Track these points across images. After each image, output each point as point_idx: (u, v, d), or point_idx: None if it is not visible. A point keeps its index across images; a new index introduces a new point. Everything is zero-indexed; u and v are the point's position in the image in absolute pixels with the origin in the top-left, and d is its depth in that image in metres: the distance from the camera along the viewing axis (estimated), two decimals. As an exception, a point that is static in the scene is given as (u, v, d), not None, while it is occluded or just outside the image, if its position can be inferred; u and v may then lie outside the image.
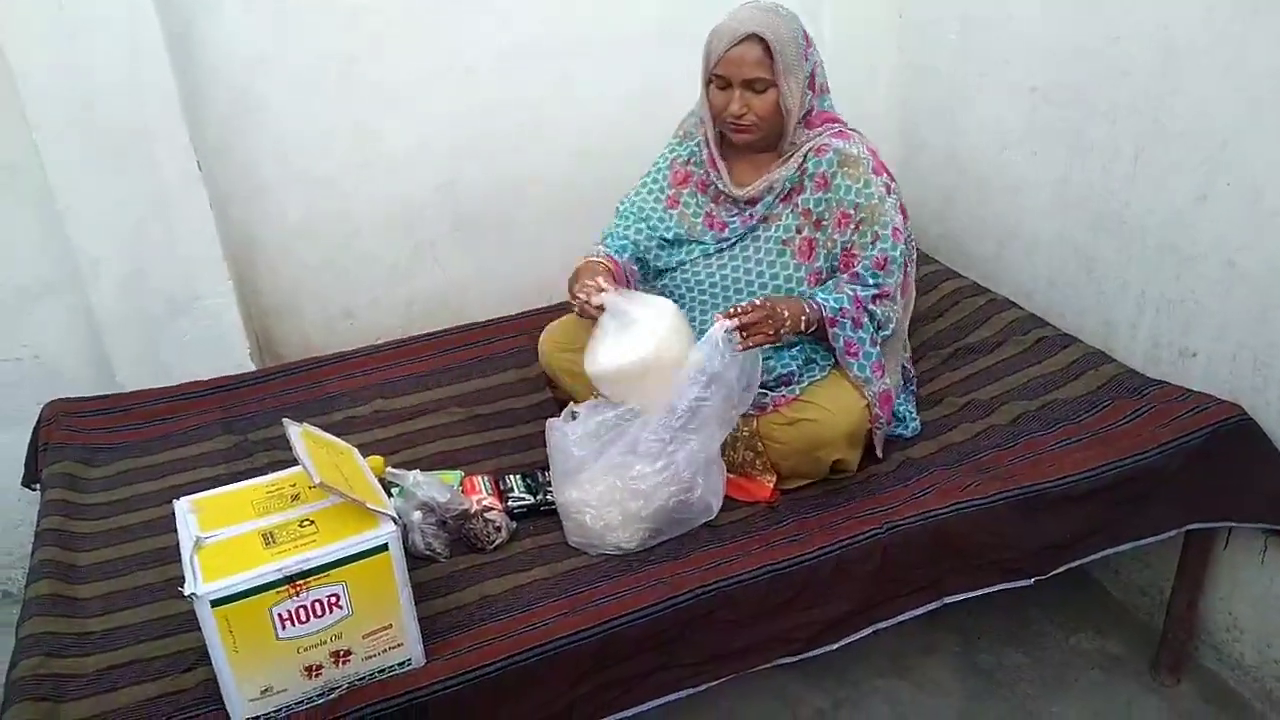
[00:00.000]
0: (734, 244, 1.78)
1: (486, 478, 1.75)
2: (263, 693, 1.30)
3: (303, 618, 1.28)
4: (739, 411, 1.61)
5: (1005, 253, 2.28)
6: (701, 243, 1.81)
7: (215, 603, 1.22)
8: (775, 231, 1.75)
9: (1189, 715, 1.88)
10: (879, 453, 1.76)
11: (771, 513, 1.66)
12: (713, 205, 1.80)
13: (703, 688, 1.51)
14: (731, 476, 1.69)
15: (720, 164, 1.78)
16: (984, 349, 2.03)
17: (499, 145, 2.32)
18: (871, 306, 1.71)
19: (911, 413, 1.86)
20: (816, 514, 1.65)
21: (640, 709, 1.48)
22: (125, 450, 1.92)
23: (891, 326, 1.76)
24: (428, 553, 1.59)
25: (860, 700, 1.93)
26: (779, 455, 1.69)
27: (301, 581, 1.26)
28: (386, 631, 1.35)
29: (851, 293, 1.70)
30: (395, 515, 1.34)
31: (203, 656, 1.30)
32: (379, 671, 1.36)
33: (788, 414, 1.69)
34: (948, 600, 1.61)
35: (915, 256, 1.87)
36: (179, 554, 1.30)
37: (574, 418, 1.64)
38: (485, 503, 1.66)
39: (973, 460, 1.74)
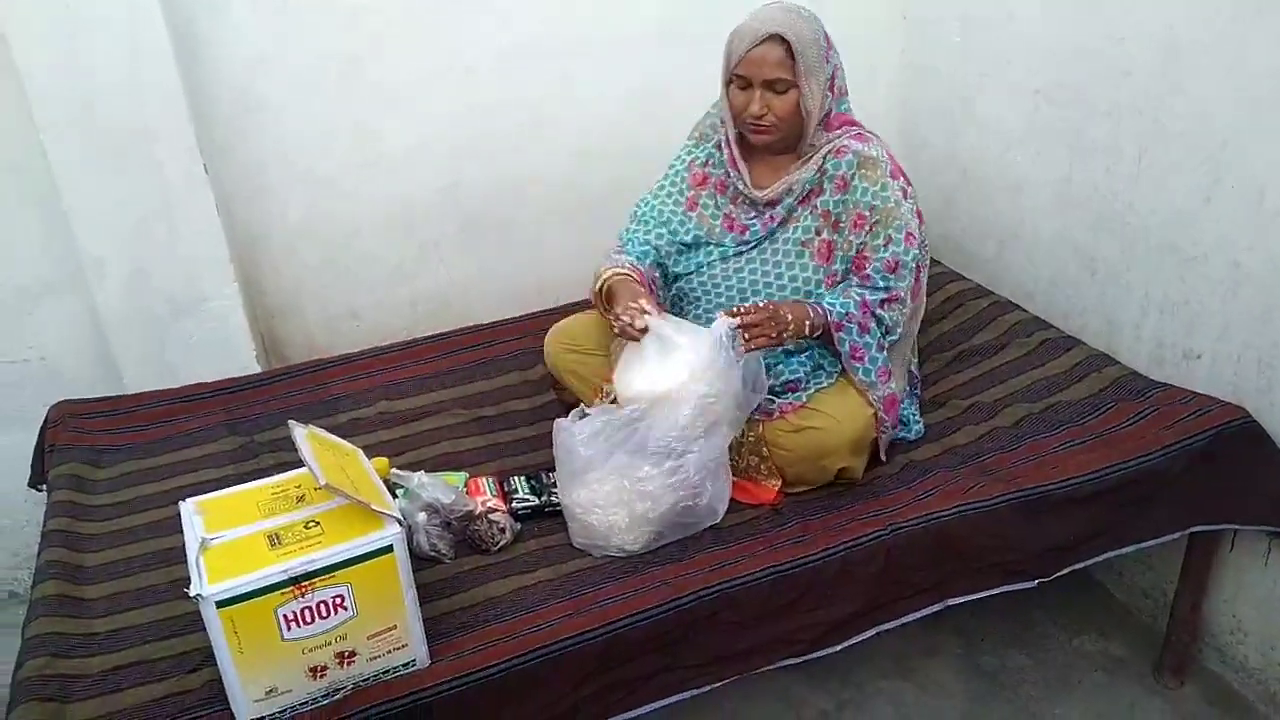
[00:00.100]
0: (754, 246, 1.78)
1: (491, 479, 1.75)
2: (268, 693, 1.30)
3: (308, 619, 1.28)
4: (746, 412, 1.62)
5: (1007, 253, 2.28)
6: (721, 245, 1.80)
7: (221, 604, 1.22)
8: (794, 234, 1.75)
9: (1192, 718, 1.88)
10: (883, 455, 1.76)
11: (775, 515, 1.67)
12: (732, 207, 1.80)
13: (706, 689, 1.51)
14: (736, 480, 1.69)
15: (741, 164, 1.77)
16: (987, 351, 2.03)
17: (500, 145, 2.33)
18: (879, 311, 1.71)
19: (915, 415, 1.86)
20: (820, 516, 1.65)
21: (644, 710, 1.48)
22: (131, 452, 1.92)
23: (899, 331, 1.76)
24: (432, 554, 1.59)
25: (864, 702, 1.93)
26: (784, 462, 1.69)
27: (307, 583, 1.26)
28: (391, 633, 1.35)
29: (859, 297, 1.70)
30: (400, 517, 1.34)
31: (208, 657, 1.31)
32: (383, 672, 1.37)
33: (794, 421, 1.69)
34: (951, 602, 1.62)
35: (929, 262, 1.86)
36: (185, 555, 1.31)
37: (583, 418, 1.64)
38: (490, 504, 1.66)
39: (976, 462, 1.74)
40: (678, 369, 1.55)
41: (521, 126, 2.33)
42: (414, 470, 1.68)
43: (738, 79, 1.69)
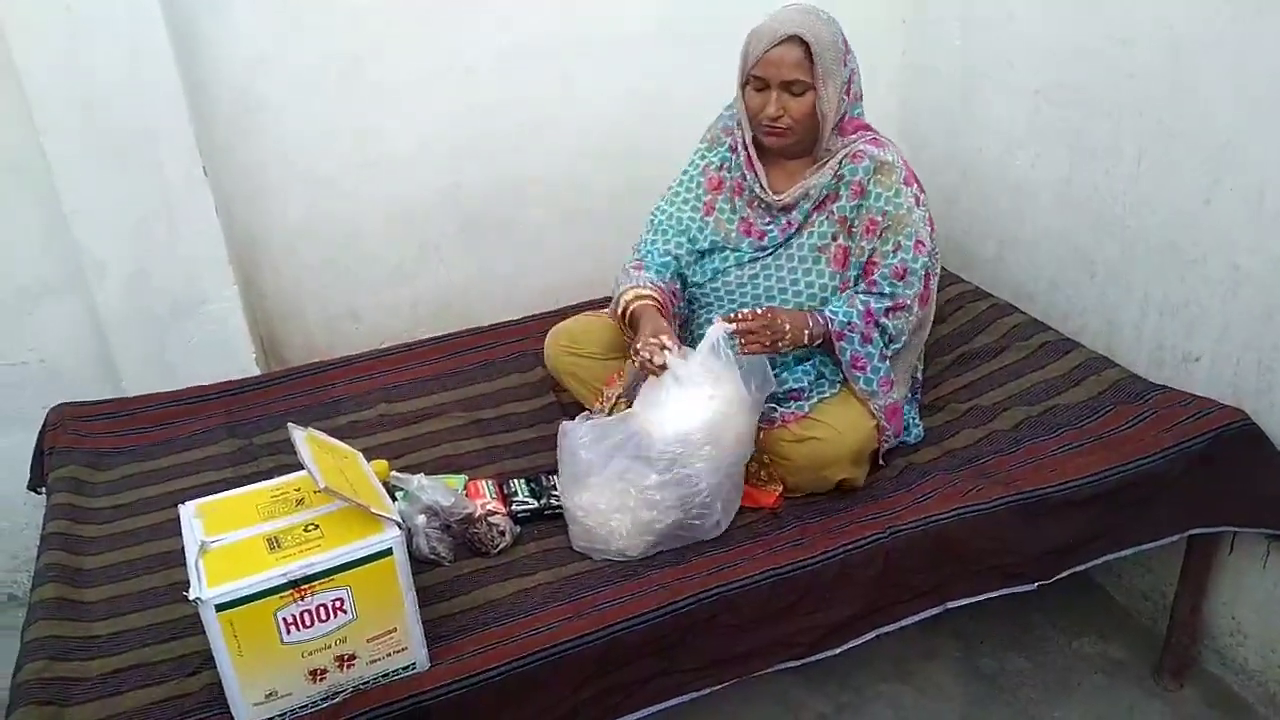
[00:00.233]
0: (770, 252, 1.77)
1: (491, 482, 1.75)
2: (267, 697, 1.30)
3: (307, 622, 1.28)
4: (755, 415, 1.61)
5: (1007, 255, 2.28)
6: (737, 250, 1.79)
7: (220, 607, 1.23)
8: (810, 239, 1.74)
9: (1192, 720, 1.88)
10: (881, 459, 1.76)
11: (774, 518, 1.67)
12: (749, 210, 1.78)
13: (705, 692, 1.51)
14: (737, 484, 1.69)
15: (758, 166, 1.76)
16: (987, 354, 2.03)
17: (501, 146, 2.33)
18: (884, 320, 1.70)
19: (915, 419, 1.86)
20: (819, 519, 1.65)
21: (643, 713, 1.48)
22: (131, 454, 1.92)
23: (904, 339, 1.75)
24: (432, 557, 1.59)
25: (862, 705, 1.93)
26: (785, 471, 1.69)
27: (306, 586, 1.26)
28: (391, 635, 1.35)
29: (864, 305, 1.69)
30: (399, 519, 1.34)
31: (207, 660, 1.31)
32: (383, 675, 1.37)
33: (796, 431, 1.69)
34: (950, 605, 1.61)
35: (939, 271, 1.85)
36: (184, 558, 1.31)
37: (588, 421, 1.64)
38: (489, 507, 1.66)
39: (975, 465, 1.74)
40: (699, 410, 1.53)
41: (522, 127, 2.33)
42: (414, 473, 1.68)
43: (755, 80, 1.68)
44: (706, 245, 1.81)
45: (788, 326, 1.63)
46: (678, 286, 1.82)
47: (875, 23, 2.46)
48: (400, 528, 1.33)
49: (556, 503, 1.69)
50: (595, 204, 2.44)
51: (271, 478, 1.49)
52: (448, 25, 2.19)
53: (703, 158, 1.85)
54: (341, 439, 1.57)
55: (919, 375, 1.93)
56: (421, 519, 1.60)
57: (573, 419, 1.66)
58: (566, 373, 1.91)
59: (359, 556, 1.29)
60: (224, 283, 2.14)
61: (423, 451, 1.90)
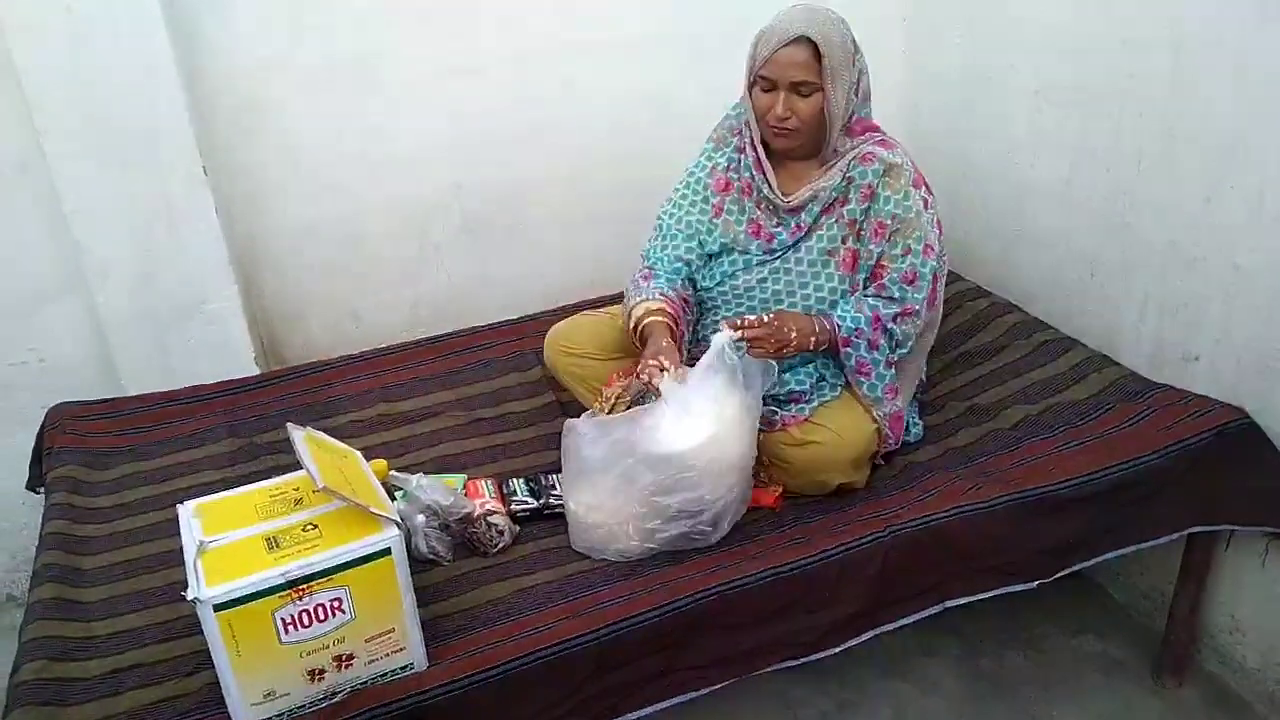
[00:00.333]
0: (779, 255, 1.75)
1: (490, 481, 1.75)
2: (265, 697, 1.30)
3: (306, 622, 1.28)
4: (756, 415, 1.60)
5: (1010, 255, 2.28)
6: (746, 253, 1.78)
7: (218, 607, 1.22)
8: (819, 242, 1.73)
9: (1191, 718, 1.87)
10: (881, 459, 1.76)
11: (774, 516, 1.67)
12: (757, 212, 1.77)
13: (705, 691, 1.51)
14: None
15: (767, 167, 1.75)
16: (987, 353, 2.03)
17: (503, 147, 2.32)
18: (891, 325, 1.70)
19: (915, 418, 1.86)
20: (819, 518, 1.65)
21: (643, 713, 1.48)
22: (129, 454, 1.92)
23: (910, 344, 1.74)
24: (431, 556, 1.59)
25: (863, 703, 1.93)
26: (784, 474, 1.69)
27: (305, 586, 1.26)
28: (389, 635, 1.35)
29: (871, 311, 1.69)
30: (398, 519, 1.34)
31: (206, 660, 1.31)
32: (381, 675, 1.36)
33: (796, 434, 1.68)
34: (950, 604, 1.61)
35: (946, 273, 1.84)
36: (183, 558, 1.30)
37: (593, 419, 1.63)
38: (488, 506, 1.66)
39: (975, 464, 1.74)
40: (692, 434, 1.52)
41: (523, 128, 2.32)
42: (413, 472, 1.68)
43: (762, 80, 1.67)
44: (715, 248, 1.80)
45: (794, 334, 1.62)
46: (689, 294, 1.81)
47: (874, 22, 2.45)
48: (399, 527, 1.33)
49: (556, 502, 1.69)
50: (597, 205, 2.44)
51: (270, 477, 1.49)
52: (449, 26, 2.19)
53: (709, 159, 1.84)
54: (340, 438, 1.57)
55: (924, 378, 1.93)
56: (420, 518, 1.60)
57: (571, 418, 1.65)
58: (565, 373, 1.91)
59: (358, 556, 1.29)
60: (224, 283, 2.13)
61: (421, 451, 1.90)
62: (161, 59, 1.94)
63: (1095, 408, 1.82)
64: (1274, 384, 1.71)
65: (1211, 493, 1.71)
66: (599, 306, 2.11)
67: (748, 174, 1.77)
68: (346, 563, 1.28)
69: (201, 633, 1.25)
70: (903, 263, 1.69)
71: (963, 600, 1.62)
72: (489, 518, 1.63)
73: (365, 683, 1.36)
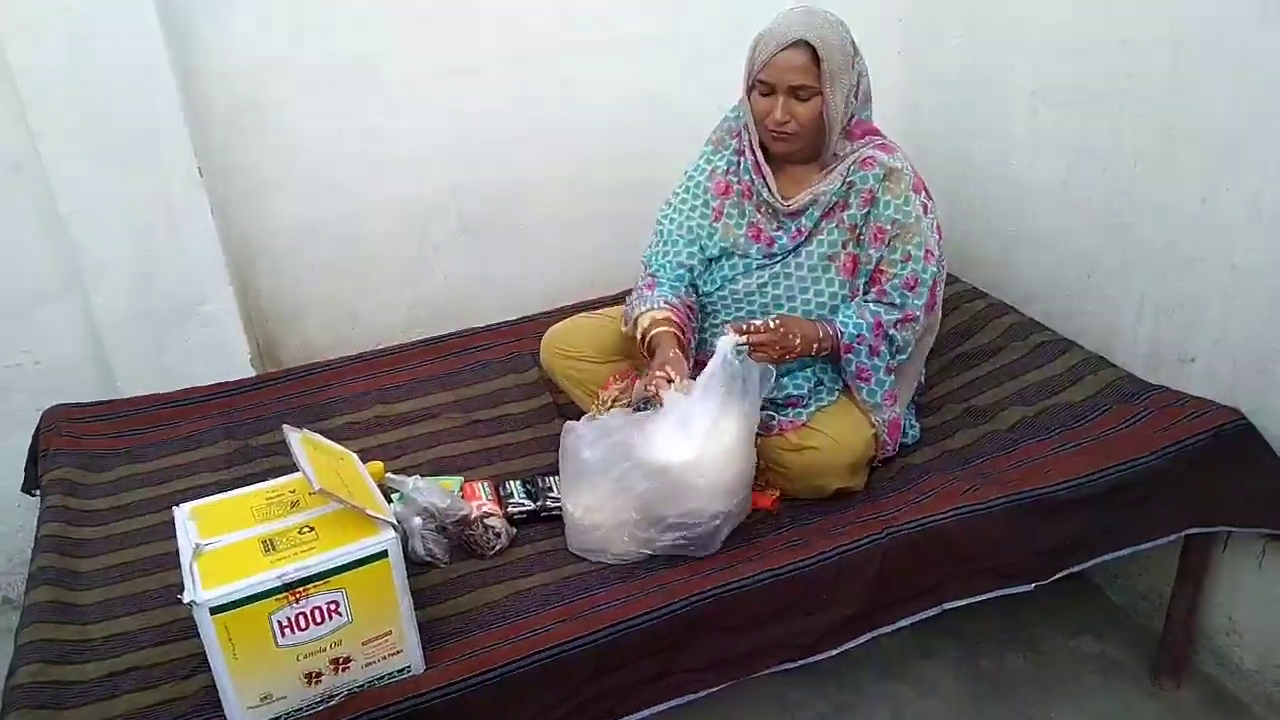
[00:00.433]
0: (779, 260, 1.75)
1: (486, 483, 1.75)
2: (262, 700, 1.30)
3: (302, 625, 1.28)
4: (754, 420, 1.59)
5: (1008, 256, 2.28)
6: (746, 257, 1.77)
7: (214, 610, 1.22)
8: (820, 247, 1.72)
9: (1189, 720, 1.88)
10: (878, 461, 1.76)
11: (771, 519, 1.67)
12: (758, 215, 1.76)
13: (702, 694, 1.51)
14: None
15: (766, 170, 1.74)
16: (984, 354, 2.03)
17: (501, 148, 2.32)
18: (892, 331, 1.69)
19: (912, 420, 1.86)
20: (816, 520, 1.65)
21: (640, 715, 1.47)
22: (125, 456, 1.92)
23: (910, 350, 1.74)
24: (428, 559, 1.59)
25: (860, 705, 1.92)
26: (781, 479, 1.68)
27: (301, 588, 1.26)
28: (386, 638, 1.34)
29: (873, 317, 1.68)
30: (395, 521, 1.34)
31: (203, 663, 1.31)
32: (378, 678, 1.36)
33: (793, 439, 1.68)
34: (948, 606, 1.61)
35: (945, 278, 1.84)
36: (179, 561, 1.30)
37: (593, 422, 1.62)
38: (485, 509, 1.66)
39: (973, 466, 1.74)
40: (690, 448, 1.51)
41: (522, 129, 2.32)
42: (409, 474, 1.68)
43: (760, 84, 1.66)
44: (715, 252, 1.79)
45: (798, 340, 1.62)
46: (693, 300, 1.80)
47: (872, 22, 2.45)
48: (396, 530, 1.33)
49: (552, 505, 1.69)
50: (596, 205, 2.43)
51: (267, 480, 1.48)
52: (449, 26, 2.19)
53: (708, 161, 1.83)
54: (337, 440, 1.57)
55: (923, 380, 1.93)
56: (417, 521, 1.60)
57: (568, 420, 1.65)
58: (562, 375, 1.91)
59: (354, 559, 1.29)
60: (221, 284, 2.13)
61: (418, 453, 1.89)
62: (157, 59, 1.93)
63: (1092, 409, 1.82)
64: (1271, 385, 1.72)
65: (1208, 494, 1.71)
66: (598, 308, 2.11)
67: (747, 177, 1.76)
68: (343, 565, 1.28)
69: (198, 636, 1.25)
70: (903, 269, 1.69)
71: (961, 602, 1.62)
72: (486, 520, 1.63)
73: (362, 685, 1.35)
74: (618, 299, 2.19)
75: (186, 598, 1.22)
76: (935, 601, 1.61)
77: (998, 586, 1.63)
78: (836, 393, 1.75)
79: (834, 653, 1.56)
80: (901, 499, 1.68)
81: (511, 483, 1.75)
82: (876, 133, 1.74)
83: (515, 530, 1.66)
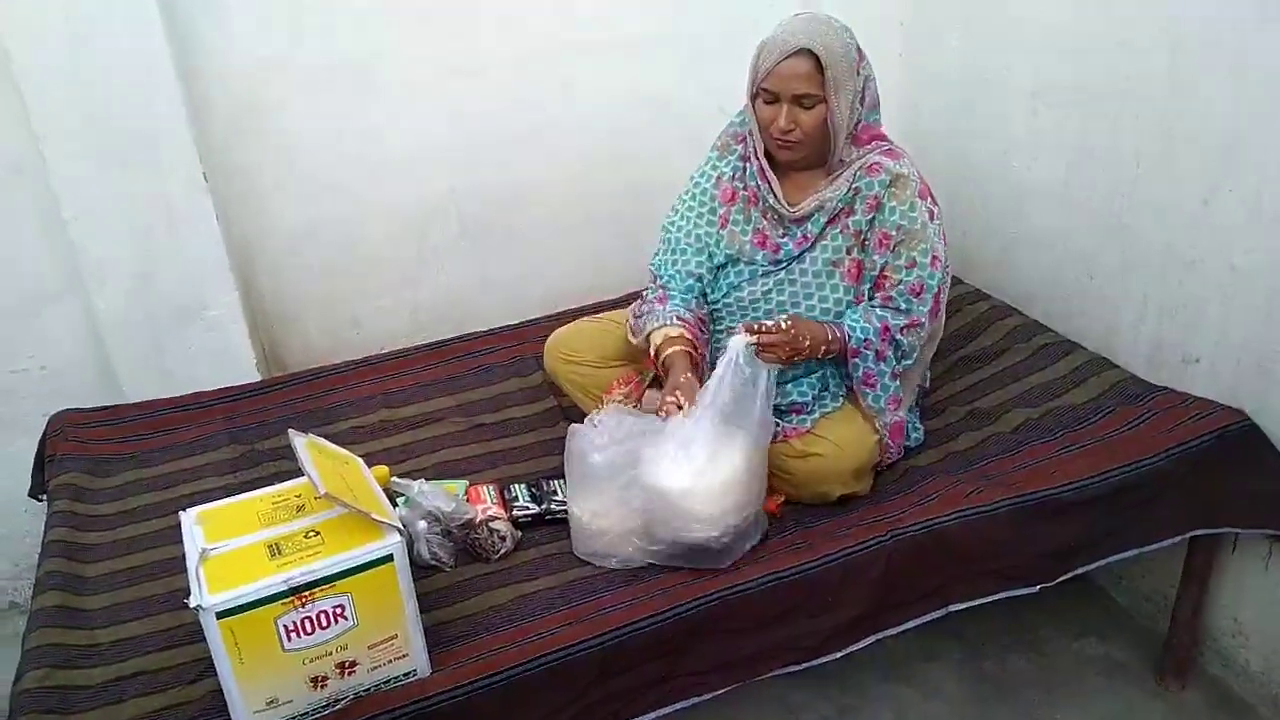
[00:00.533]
0: (785, 266, 1.75)
1: (491, 487, 1.75)
2: (269, 704, 1.30)
3: (308, 629, 1.28)
4: (768, 432, 1.59)
5: (1008, 256, 2.28)
6: (751, 263, 1.77)
7: (221, 614, 1.22)
8: (825, 253, 1.72)
9: (1194, 721, 1.88)
10: (882, 465, 1.76)
11: (775, 521, 1.66)
12: (764, 221, 1.76)
13: (707, 697, 1.51)
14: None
15: (771, 177, 1.73)
16: (986, 356, 2.03)
17: (501, 150, 2.32)
18: (899, 336, 1.69)
19: (916, 423, 1.86)
20: (820, 522, 1.65)
21: (645, 718, 1.48)
22: (131, 461, 1.92)
23: (915, 356, 1.74)
24: (433, 563, 1.59)
25: (864, 707, 1.92)
26: (785, 484, 1.68)
27: (307, 593, 1.26)
28: (392, 642, 1.35)
29: (880, 322, 1.68)
30: (400, 526, 1.34)
31: (209, 668, 1.31)
32: (384, 682, 1.37)
33: (798, 446, 1.68)
34: (953, 608, 1.61)
35: (950, 284, 1.83)
36: (185, 565, 1.30)
37: (596, 425, 1.62)
38: (490, 512, 1.66)
39: (976, 468, 1.74)
40: (683, 475, 1.51)
41: (522, 131, 2.32)
42: (414, 478, 1.68)
43: (764, 93, 1.65)
44: (721, 259, 1.79)
45: (807, 342, 1.61)
46: (704, 311, 1.80)
47: (873, 23, 2.45)
48: (401, 534, 1.33)
49: (557, 508, 1.69)
50: (597, 207, 2.44)
51: (272, 484, 1.48)
52: (448, 27, 2.19)
53: (714, 167, 1.83)
54: (342, 445, 1.57)
55: (926, 384, 1.93)
56: (422, 525, 1.60)
57: (572, 423, 1.65)
58: (565, 380, 1.91)
59: (360, 563, 1.29)
60: (224, 288, 2.14)
61: (423, 457, 1.90)
62: (159, 62, 1.94)
63: (1096, 411, 1.82)
64: (1273, 385, 1.72)
65: (1213, 496, 1.71)
66: (600, 311, 2.11)
67: (753, 183, 1.76)
68: (349, 569, 1.28)
69: (204, 640, 1.25)
70: (909, 274, 1.68)
71: (965, 604, 1.62)
72: (491, 523, 1.63)
73: (368, 689, 1.36)
74: (619, 302, 2.19)
75: (193, 602, 1.23)
76: (940, 604, 1.61)
77: (1002, 588, 1.63)
78: (841, 399, 1.75)
79: (838, 655, 1.56)
80: (905, 501, 1.68)
81: (516, 486, 1.76)
82: (883, 138, 1.74)
83: (520, 534, 1.66)
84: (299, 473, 1.39)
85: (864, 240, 1.70)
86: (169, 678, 1.42)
